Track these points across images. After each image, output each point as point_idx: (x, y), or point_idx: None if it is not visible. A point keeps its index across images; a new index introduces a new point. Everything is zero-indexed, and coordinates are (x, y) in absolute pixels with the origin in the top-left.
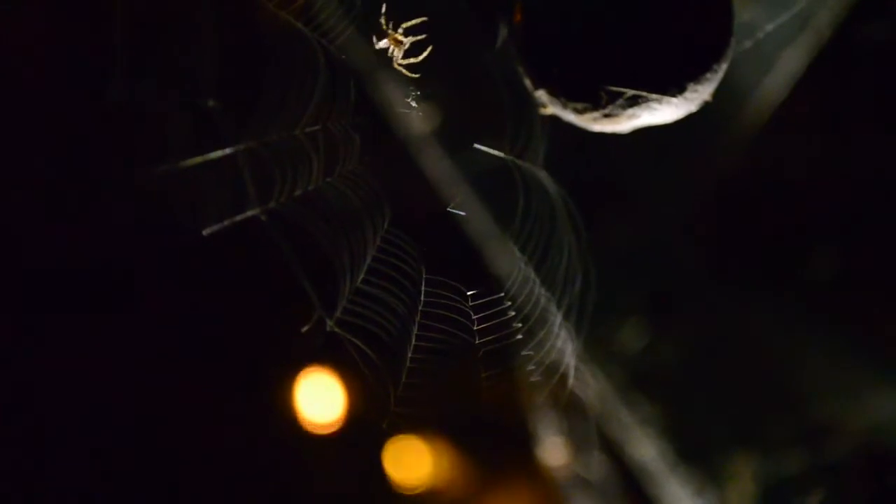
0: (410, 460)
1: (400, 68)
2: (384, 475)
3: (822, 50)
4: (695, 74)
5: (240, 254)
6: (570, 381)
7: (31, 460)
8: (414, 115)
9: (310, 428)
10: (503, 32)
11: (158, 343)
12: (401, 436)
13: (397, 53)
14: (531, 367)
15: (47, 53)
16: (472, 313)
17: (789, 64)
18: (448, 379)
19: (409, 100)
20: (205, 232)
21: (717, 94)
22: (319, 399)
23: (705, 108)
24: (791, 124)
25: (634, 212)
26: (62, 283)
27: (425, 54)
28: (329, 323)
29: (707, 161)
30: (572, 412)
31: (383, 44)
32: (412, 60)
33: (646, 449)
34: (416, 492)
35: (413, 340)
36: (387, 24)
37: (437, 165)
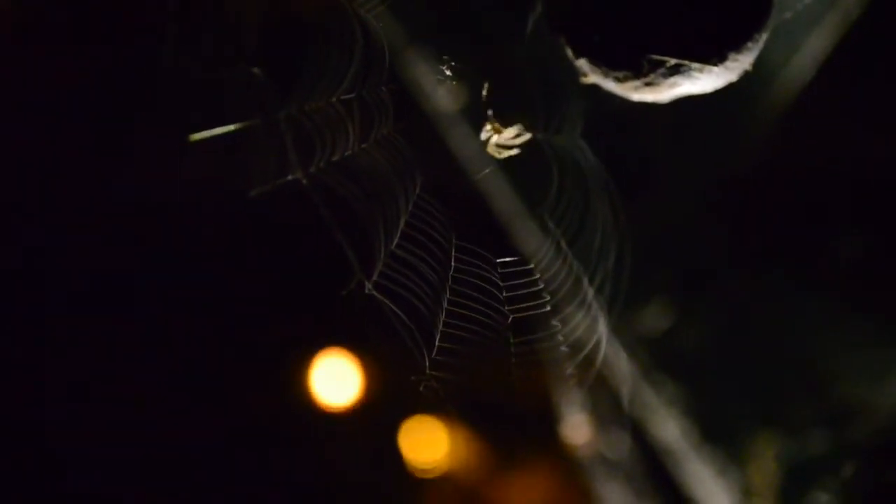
0: (427, 441)
1: (493, 151)
2: (400, 456)
3: (849, 30)
4: (736, 44)
5: (272, 219)
6: (600, 356)
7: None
8: (446, 87)
9: (326, 408)
10: (538, 8)
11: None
12: (417, 416)
13: (495, 139)
14: (560, 339)
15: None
16: (501, 282)
17: (816, 44)
18: (478, 345)
19: (444, 68)
20: (252, 193)
21: (743, 77)
22: (336, 378)
23: (733, 87)
24: (817, 105)
25: (660, 192)
26: (96, 230)
27: (519, 141)
28: (368, 285)
29: (733, 143)
30: (597, 390)
31: (486, 131)
32: (509, 153)
33: (669, 429)
34: (433, 472)
35: (445, 306)
36: (493, 117)
37: (468, 137)
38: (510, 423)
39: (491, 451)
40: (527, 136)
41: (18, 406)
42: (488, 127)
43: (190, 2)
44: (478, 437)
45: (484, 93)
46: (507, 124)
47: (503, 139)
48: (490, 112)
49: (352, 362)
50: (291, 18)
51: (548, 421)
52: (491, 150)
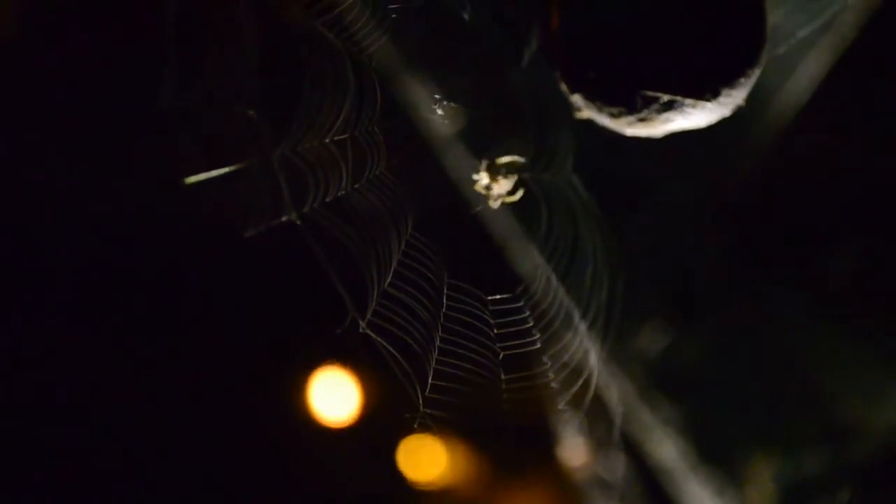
0: (425, 458)
1: (495, 203)
2: (398, 472)
3: (844, 53)
4: (729, 79)
5: (268, 259)
6: (593, 385)
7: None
8: (439, 119)
9: (324, 423)
10: (533, 44)
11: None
12: (415, 434)
13: (495, 189)
14: (551, 374)
15: (99, 62)
16: (491, 319)
17: (812, 67)
18: (470, 382)
19: (434, 105)
20: (246, 234)
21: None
22: (334, 395)
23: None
24: (813, 127)
25: (656, 213)
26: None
27: (519, 195)
28: (361, 325)
29: (730, 164)
30: (593, 412)
31: (483, 180)
32: (510, 199)
33: (666, 449)
34: (431, 489)
35: (437, 343)
36: (488, 165)
37: (461, 169)
38: (507, 446)
39: (488, 473)
40: (520, 194)
41: (15, 410)
42: (485, 181)
43: (186, 43)
44: (475, 459)
45: (482, 169)
46: (497, 170)
47: (501, 190)
48: (485, 165)
49: (350, 379)
50: (286, 60)
51: (544, 443)
52: (492, 202)
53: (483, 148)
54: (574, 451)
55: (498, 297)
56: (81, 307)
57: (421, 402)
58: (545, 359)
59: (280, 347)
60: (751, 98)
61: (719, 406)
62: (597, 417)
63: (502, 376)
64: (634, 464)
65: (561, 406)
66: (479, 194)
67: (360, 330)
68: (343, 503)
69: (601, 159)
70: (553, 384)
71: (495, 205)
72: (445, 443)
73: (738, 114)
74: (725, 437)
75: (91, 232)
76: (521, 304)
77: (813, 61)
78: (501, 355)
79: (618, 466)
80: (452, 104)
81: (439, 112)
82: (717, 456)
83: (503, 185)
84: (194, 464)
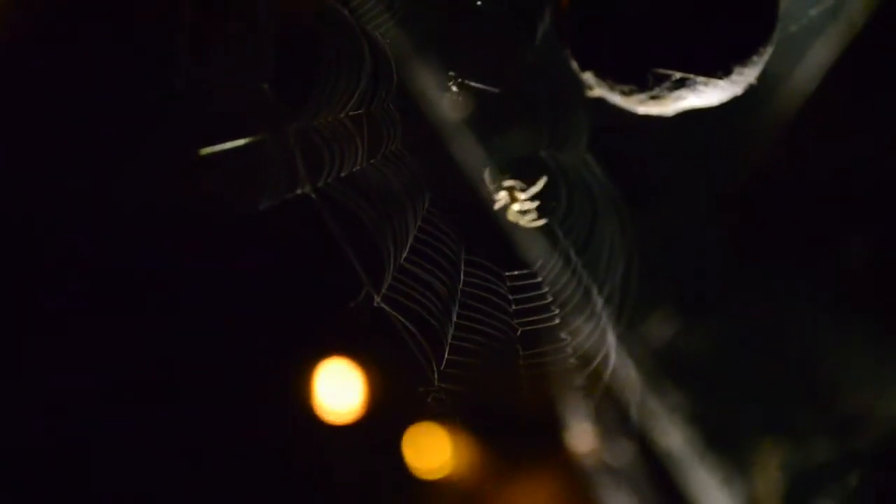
0: (430, 447)
1: (516, 219)
2: (403, 463)
3: (853, 40)
4: (741, 57)
5: (283, 232)
6: (610, 366)
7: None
8: (452, 100)
9: (328, 416)
10: (545, 22)
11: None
12: (421, 423)
13: (514, 206)
14: (569, 351)
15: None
16: (510, 295)
17: (820, 54)
18: (487, 357)
19: (449, 83)
20: (260, 207)
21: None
22: (339, 387)
23: (736, 99)
24: (821, 114)
25: (665, 202)
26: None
27: (540, 223)
28: (376, 299)
29: (737, 151)
30: (602, 399)
31: (503, 197)
32: (529, 217)
33: (674, 436)
34: (436, 478)
35: (454, 318)
36: (509, 186)
37: (473, 150)
38: (515, 431)
39: (495, 459)
40: (537, 215)
41: (15, 407)
42: (504, 194)
43: (203, 18)
44: (482, 445)
45: (486, 176)
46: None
47: (521, 205)
48: (508, 181)
49: (355, 370)
50: (301, 36)
51: (553, 429)
52: (512, 217)
53: (496, 127)
54: (582, 437)
55: (516, 272)
56: (82, 284)
57: (436, 376)
58: (563, 335)
59: (291, 327)
60: (760, 84)
61: (727, 394)
62: (606, 404)
63: (521, 352)
64: (642, 451)
65: (578, 383)
66: (499, 161)
67: (375, 304)
68: (348, 495)
69: (613, 147)
70: (571, 360)
71: (520, 220)
72: (451, 430)
73: (748, 101)
74: (733, 425)
75: (93, 204)
76: (540, 280)
77: (821, 47)
78: (520, 331)
79: (626, 453)
80: (466, 82)
81: (453, 89)
82: (725, 444)
83: (523, 198)
84: (194, 458)
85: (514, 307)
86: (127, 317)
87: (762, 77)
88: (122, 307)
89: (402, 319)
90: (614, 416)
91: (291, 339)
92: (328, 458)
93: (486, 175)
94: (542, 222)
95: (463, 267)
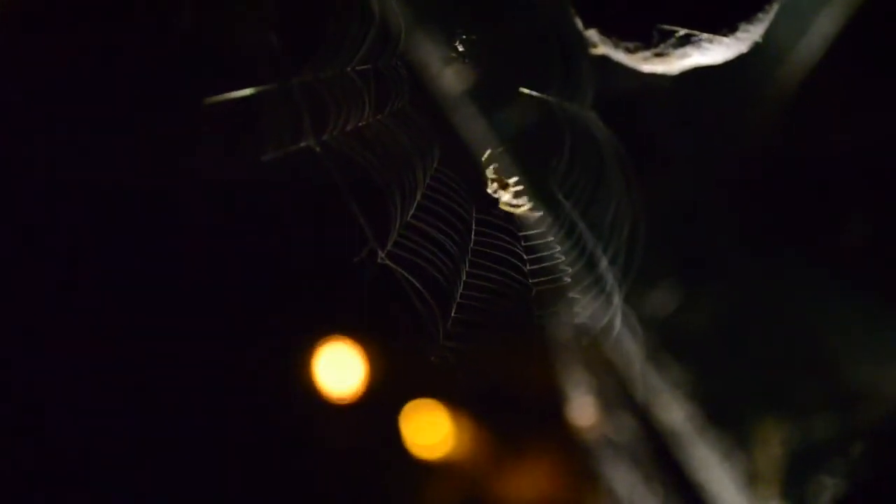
0: (430, 424)
1: (506, 207)
2: (402, 442)
3: (858, 9)
4: (747, 14)
5: (285, 187)
6: (615, 329)
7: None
8: (457, 64)
9: (329, 396)
10: None
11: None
12: (420, 400)
13: (504, 196)
14: (578, 311)
15: None
16: (523, 254)
17: (826, 23)
18: (498, 316)
19: (456, 44)
20: (263, 158)
21: (752, 56)
22: (339, 367)
23: (741, 68)
24: (826, 85)
25: (667, 170)
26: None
27: (525, 208)
28: (381, 255)
29: (741, 122)
30: (603, 373)
31: (493, 188)
32: (519, 207)
33: (675, 412)
34: (436, 457)
35: (463, 277)
36: (496, 175)
37: (479, 116)
38: (515, 406)
39: (495, 434)
40: (525, 204)
41: (17, 400)
42: (494, 186)
43: None
44: (482, 420)
45: (483, 159)
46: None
47: (512, 191)
48: (492, 168)
49: (354, 350)
50: None
51: (554, 404)
52: (504, 206)
53: (503, 90)
54: (583, 411)
55: (532, 232)
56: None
57: (441, 334)
58: (573, 294)
59: (289, 303)
60: (764, 52)
61: (728, 369)
62: (607, 378)
63: (535, 311)
64: (643, 426)
65: (585, 344)
66: (501, 133)
67: (379, 260)
68: (347, 475)
69: (616, 111)
70: (579, 321)
71: (512, 209)
72: (450, 407)
73: (750, 72)
74: (734, 401)
75: (92, 166)
76: (552, 239)
77: (826, 19)
78: (534, 291)
79: (627, 428)
80: (471, 37)
81: (459, 48)
82: (726, 419)
83: (512, 186)
84: (195, 437)
85: (528, 267)
86: (125, 294)
87: (767, 45)
88: (113, 288)
89: (406, 275)
90: (616, 390)
91: (293, 313)
92: (328, 436)
93: (485, 158)
94: (535, 213)
95: (474, 226)
